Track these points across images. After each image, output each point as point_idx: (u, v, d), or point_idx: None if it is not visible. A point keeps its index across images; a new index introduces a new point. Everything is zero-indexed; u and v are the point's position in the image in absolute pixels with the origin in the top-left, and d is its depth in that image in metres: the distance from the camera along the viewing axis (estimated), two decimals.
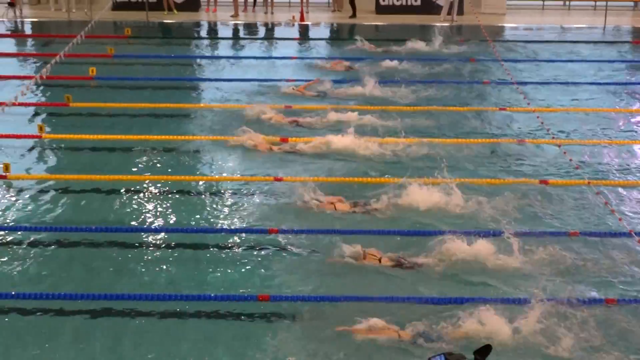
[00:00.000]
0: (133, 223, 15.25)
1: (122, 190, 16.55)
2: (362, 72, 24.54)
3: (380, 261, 13.47)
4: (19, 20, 32.50)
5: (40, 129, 19.50)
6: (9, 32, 31.09)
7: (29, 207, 15.98)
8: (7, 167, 17.18)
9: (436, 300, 12.36)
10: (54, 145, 19.17)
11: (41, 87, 23.08)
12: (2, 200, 16.20)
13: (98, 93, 23.12)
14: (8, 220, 15.32)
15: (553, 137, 19.35)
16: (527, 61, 27.13)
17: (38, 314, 12.33)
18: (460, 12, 33.57)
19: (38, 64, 26.03)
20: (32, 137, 19.37)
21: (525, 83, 24.01)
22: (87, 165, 17.93)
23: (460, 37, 30.40)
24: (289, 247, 14.06)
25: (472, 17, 31.72)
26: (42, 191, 16.71)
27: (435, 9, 33.63)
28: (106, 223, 15.09)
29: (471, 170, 17.63)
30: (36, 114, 21.47)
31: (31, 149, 18.97)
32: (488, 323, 11.44)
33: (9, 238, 14.60)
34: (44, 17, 33.03)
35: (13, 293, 12.76)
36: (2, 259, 13.89)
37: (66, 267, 13.78)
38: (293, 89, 22.89)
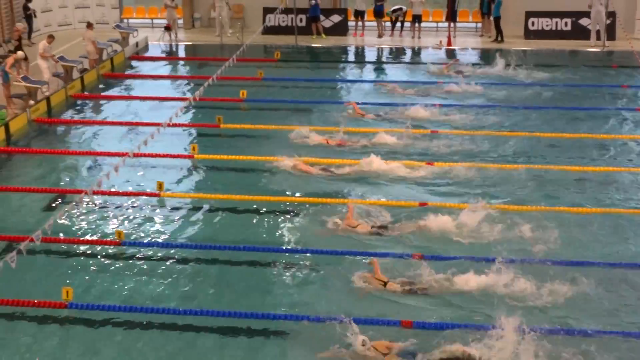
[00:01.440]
0: (279, 243, 15.57)
1: (269, 211, 16.93)
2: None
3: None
4: (174, 43, 33.64)
5: (193, 149, 20.14)
6: (164, 55, 32.25)
7: (180, 225, 16.55)
8: (160, 186, 17.82)
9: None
10: (205, 165, 19.75)
11: (194, 109, 23.76)
12: (156, 218, 16.85)
13: (247, 115, 23.65)
14: (161, 237, 15.92)
15: None
16: None
17: (188, 330, 12.78)
18: (612, 37, 32.68)
19: (191, 86, 26.89)
20: (185, 157, 20.05)
21: None
22: (236, 185, 18.40)
23: (612, 63, 29.69)
24: (430, 274, 14.00)
25: (625, 43, 30.84)
26: (193, 209, 17.28)
27: (586, 34, 32.88)
28: (254, 242, 15.48)
29: (621, 199, 17.26)
30: (189, 134, 22.18)
31: (184, 168, 19.61)
32: None
33: (162, 254, 15.17)
34: (197, 40, 34.05)
35: (165, 308, 13.27)
36: (154, 275, 14.46)
37: (215, 284, 14.21)
38: (355, 110, 23.37)
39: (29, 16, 32.16)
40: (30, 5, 31.86)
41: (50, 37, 26.13)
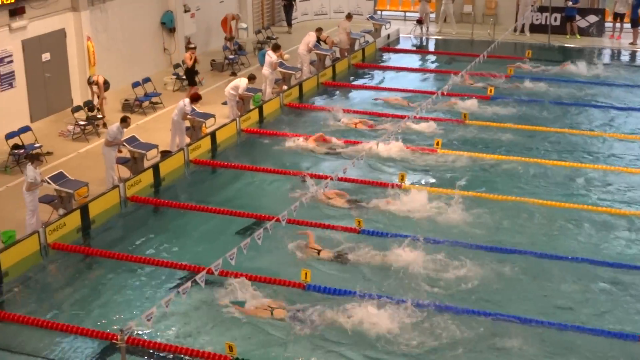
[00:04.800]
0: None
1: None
2: None
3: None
4: (424, 37, 33.81)
5: (437, 143, 20.20)
6: (414, 48, 32.46)
7: (426, 219, 16.70)
8: (402, 177, 18.06)
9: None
10: (447, 160, 19.74)
11: (440, 103, 23.69)
12: (394, 209, 17.00)
13: (492, 114, 23.30)
14: (399, 229, 16.15)
15: None
16: None
17: None
18: None
19: (439, 80, 26.91)
20: (428, 150, 20.13)
21: None
22: (482, 183, 18.38)
23: None
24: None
25: None
26: (435, 203, 17.30)
27: None
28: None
29: None
30: (434, 128, 22.02)
31: (426, 162, 19.71)
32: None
33: (397, 246, 15.32)
34: (447, 35, 34.00)
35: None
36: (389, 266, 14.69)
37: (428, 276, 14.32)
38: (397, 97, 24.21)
39: (287, 5, 33.53)
40: None
41: (319, 31, 27.16)
